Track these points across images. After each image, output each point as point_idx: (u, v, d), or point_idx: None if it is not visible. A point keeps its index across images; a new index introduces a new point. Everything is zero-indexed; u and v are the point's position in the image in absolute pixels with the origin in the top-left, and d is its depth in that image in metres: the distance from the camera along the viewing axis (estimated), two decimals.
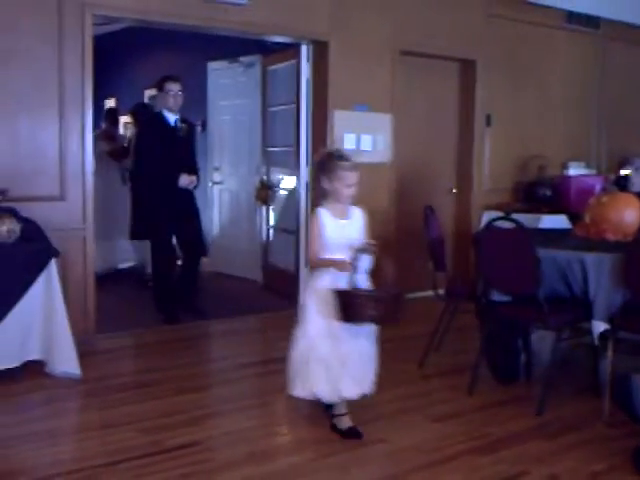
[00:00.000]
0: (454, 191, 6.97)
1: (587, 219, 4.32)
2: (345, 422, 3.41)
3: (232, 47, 6.99)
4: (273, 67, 6.74)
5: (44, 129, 4.69)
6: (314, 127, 6.01)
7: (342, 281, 3.26)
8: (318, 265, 3.40)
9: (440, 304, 4.69)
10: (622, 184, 5.21)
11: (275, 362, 4.67)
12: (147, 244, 6.05)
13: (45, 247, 4.17)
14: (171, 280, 5.72)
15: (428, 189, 6.66)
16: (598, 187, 6.27)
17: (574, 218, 5.28)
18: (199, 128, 7.41)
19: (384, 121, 6.21)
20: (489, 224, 4.02)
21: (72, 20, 4.68)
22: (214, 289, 6.67)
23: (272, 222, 6.91)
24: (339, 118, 5.92)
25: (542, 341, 4.48)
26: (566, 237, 4.41)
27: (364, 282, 3.38)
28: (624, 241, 3.93)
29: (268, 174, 6.87)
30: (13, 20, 4.52)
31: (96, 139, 5.48)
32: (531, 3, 6.86)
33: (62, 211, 4.74)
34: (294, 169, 6.25)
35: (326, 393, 3.36)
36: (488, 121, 6.89)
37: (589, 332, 3.75)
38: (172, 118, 5.61)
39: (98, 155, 6.07)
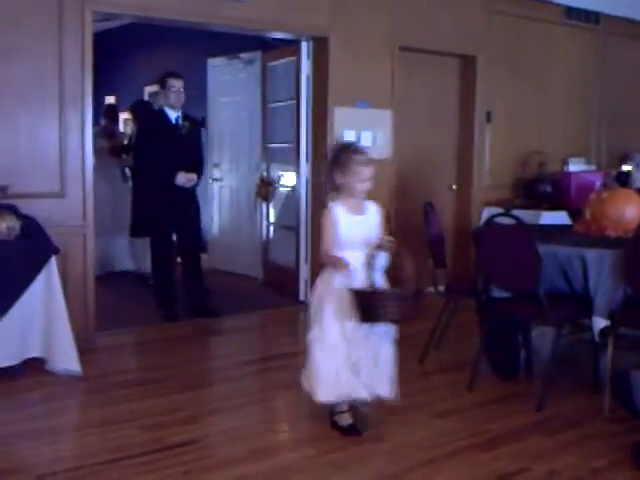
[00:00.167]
0: (454, 187, 6.96)
1: (587, 215, 4.31)
2: (346, 419, 3.40)
3: (232, 43, 6.98)
4: (273, 63, 6.72)
5: (44, 126, 4.68)
6: (314, 123, 6.01)
7: (358, 280, 3.18)
8: (324, 263, 3.32)
9: (440, 301, 4.68)
10: (623, 180, 5.22)
11: (276, 359, 4.68)
12: (146, 246, 6.05)
13: (45, 244, 4.16)
14: (171, 277, 5.71)
15: (428, 185, 6.65)
16: (598, 183, 6.27)
17: (574, 214, 5.27)
18: None
19: (384, 117, 6.20)
20: (489, 220, 4.02)
21: (72, 17, 4.68)
22: (214, 286, 6.66)
23: (272, 219, 6.89)
24: (339, 114, 5.91)
25: (542, 337, 4.48)
26: (566, 233, 4.40)
27: (380, 280, 3.28)
28: (624, 237, 3.92)
29: (268, 171, 6.85)
30: (13, 17, 4.51)
31: (95, 136, 5.47)
32: None
33: (62, 208, 4.73)
34: (294, 166, 6.25)
35: (363, 393, 3.29)
36: (488, 117, 6.88)
37: (589, 328, 3.75)
38: (173, 115, 5.59)
39: (97, 152, 6.06)
